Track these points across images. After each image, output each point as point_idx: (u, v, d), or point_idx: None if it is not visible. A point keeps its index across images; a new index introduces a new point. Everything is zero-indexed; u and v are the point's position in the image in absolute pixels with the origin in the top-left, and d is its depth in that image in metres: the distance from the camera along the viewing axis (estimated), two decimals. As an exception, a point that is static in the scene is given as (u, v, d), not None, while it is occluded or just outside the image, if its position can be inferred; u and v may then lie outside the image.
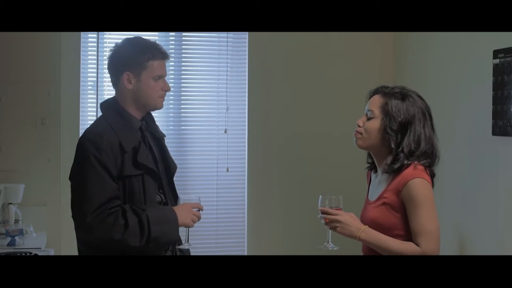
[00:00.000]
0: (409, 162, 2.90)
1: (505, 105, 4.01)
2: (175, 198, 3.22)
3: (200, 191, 5.40)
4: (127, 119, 3.05)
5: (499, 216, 4.12)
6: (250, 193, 5.44)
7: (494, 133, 4.10)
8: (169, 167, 3.25)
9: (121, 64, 3.06)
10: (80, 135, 3.07)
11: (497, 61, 4.07)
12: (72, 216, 2.95)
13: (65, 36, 4.98)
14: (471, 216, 4.42)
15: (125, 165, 2.93)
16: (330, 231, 2.93)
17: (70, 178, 3.00)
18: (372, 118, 2.99)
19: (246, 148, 5.44)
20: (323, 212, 2.90)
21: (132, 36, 3.17)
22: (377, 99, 3.01)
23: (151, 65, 3.04)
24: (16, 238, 4.32)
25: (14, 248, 4.23)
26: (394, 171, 2.92)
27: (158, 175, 3.08)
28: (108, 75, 3.17)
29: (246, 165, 5.45)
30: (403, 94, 2.99)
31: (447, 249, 4.54)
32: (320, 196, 2.93)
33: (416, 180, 2.85)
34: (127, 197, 2.94)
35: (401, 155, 2.91)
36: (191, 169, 5.40)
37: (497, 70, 4.07)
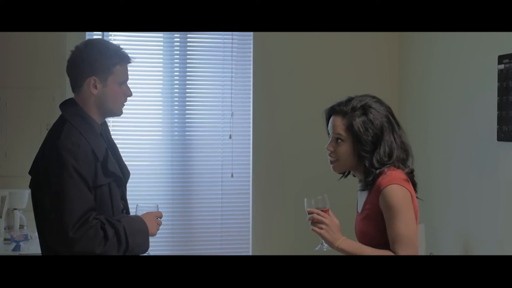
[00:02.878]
0: (380, 171, 2.85)
1: (510, 111, 4.00)
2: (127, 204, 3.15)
3: (205, 197, 5.41)
4: (91, 125, 2.92)
5: (503, 221, 4.11)
6: (255, 198, 5.44)
7: (499, 138, 4.10)
8: (124, 174, 3.09)
9: (86, 68, 2.91)
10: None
11: (502, 66, 4.07)
12: (45, 234, 2.84)
13: (70, 41, 4.97)
14: (475, 221, 4.41)
15: (98, 174, 2.83)
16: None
17: (40, 191, 2.83)
18: (341, 141, 2.92)
19: (251, 154, 5.44)
20: (310, 213, 2.89)
21: (94, 38, 3.07)
22: (340, 122, 2.93)
23: (117, 70, 2.94)
24: (21, 243, 4.32)
25: (19, 254, 4.23)
26: (369, 185, 2.89)
27: (123, 183, 3.02)
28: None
29: (251, 170, 5.45)
30: (363, 108, 2.89)
31: (451, 253, 4.54)
32: (306, 199, 2.92)
33: (388, 187, 2.79)
34: (98, 207, 2.82)
35: (372, 170, 2.87)
36: (195, 175, 5.40)
37: (502, 76, 4.06)
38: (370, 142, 2.86)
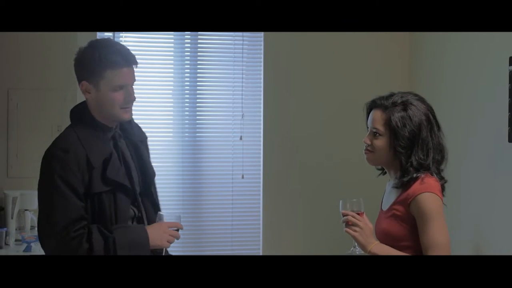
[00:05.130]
0: (417, 175, 2.87)
1: (522, 112, 3.99)
2: (155, 207, 3.02)
3: (216, 198, 5.41)
4: (96, 129, 2.85)
5: (516, 223, 4.10)
6: (266, 200, 5.43)
7: (511, 139, 4.08)
8: (146, 175, 3.01)
9: (79, 71, 2.86)
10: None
11: (513, 67, 4.06)
12: (38, 235, 2.81)
13: (81, 42, 4.96)
14: (487, 222, 4.39)
15: (94, 181, 2.73)
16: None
17: (37, 194, 2.82)
18: (378, 135, 2.94)
19: (262, 155, 5.44)
20: (345, 215, 2.89)
21: (97, 39, 2.98)
22: (379, 115, 2.95)
23: (109, 75, 2.79)
24: (32, 244, 4.33)
25: (30, 255, 4.24)
26: (404, 185, 2.90)
27: (130, 190, 2.88)
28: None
29: (261, 172, 5.45)
30: (404, 104, 2.91)
31: (462, 254, 4.52)
32: (341, 200, 2.92)
33: (424, 194, 2.83)
34: (97, 215, 2.76)
35: (411, 169, 2.88)
36: (206, 176, 5.40)
37: (514, 77, 4.05)
38: (406, 139, 2.88)
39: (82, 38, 4.94)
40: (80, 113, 2.90)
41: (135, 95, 2.91)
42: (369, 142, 2.97)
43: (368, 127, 3.03)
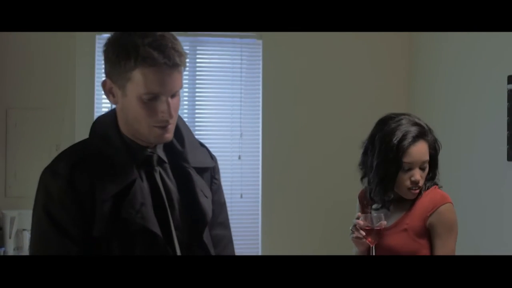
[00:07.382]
0: (427, 187, 2.84)
1: (520, 131, 3.99)
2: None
3: (214, 217, 5.39)
4: (119, 148, 2.03)
5: (515, 242, 4.09)
6: (264, 219, 5.42)
7: (509, 158, 4.08)
8: (198, 217, 2.19)
9: (105, 66, 2.02)
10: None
11: (511, 86, 4.06)
12: None
13: (80, 61, 5.00)
14: (487, 242, 4.38)
15: (99, 220, 1.95)
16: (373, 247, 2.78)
17: None
18: (425, 167, 2.81)
19: (260, 174, 5.42)
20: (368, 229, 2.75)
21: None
22: (425, 147, 2.79)
23: (138, 77, 1.93)
24: (30, 264, 4.31)
25: (27, 255, 4.22)
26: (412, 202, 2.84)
27: (160, 238, 2.06)
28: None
29: (260, 191, 5.43)
30: (428, 128, 2.84)
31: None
32: (363, 215, 2.80)
33: (447, 205, 2.79)
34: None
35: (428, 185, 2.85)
36: (205, 195, 5.38)
37: (512, 96, 4.06)
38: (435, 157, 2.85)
39: (81, 59, 4.98)
40: (105, 124, 2.09)
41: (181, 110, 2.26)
42: (421, 180, 2.80)
43: (409, 165, 2.78)
